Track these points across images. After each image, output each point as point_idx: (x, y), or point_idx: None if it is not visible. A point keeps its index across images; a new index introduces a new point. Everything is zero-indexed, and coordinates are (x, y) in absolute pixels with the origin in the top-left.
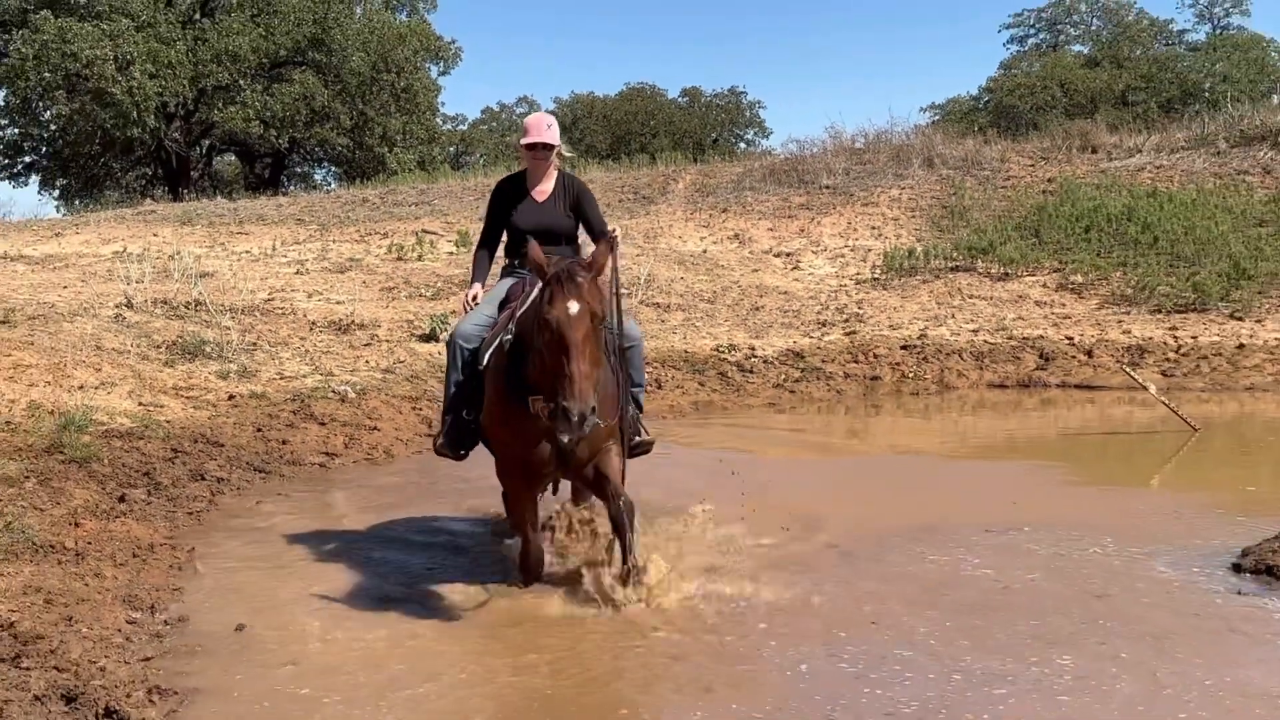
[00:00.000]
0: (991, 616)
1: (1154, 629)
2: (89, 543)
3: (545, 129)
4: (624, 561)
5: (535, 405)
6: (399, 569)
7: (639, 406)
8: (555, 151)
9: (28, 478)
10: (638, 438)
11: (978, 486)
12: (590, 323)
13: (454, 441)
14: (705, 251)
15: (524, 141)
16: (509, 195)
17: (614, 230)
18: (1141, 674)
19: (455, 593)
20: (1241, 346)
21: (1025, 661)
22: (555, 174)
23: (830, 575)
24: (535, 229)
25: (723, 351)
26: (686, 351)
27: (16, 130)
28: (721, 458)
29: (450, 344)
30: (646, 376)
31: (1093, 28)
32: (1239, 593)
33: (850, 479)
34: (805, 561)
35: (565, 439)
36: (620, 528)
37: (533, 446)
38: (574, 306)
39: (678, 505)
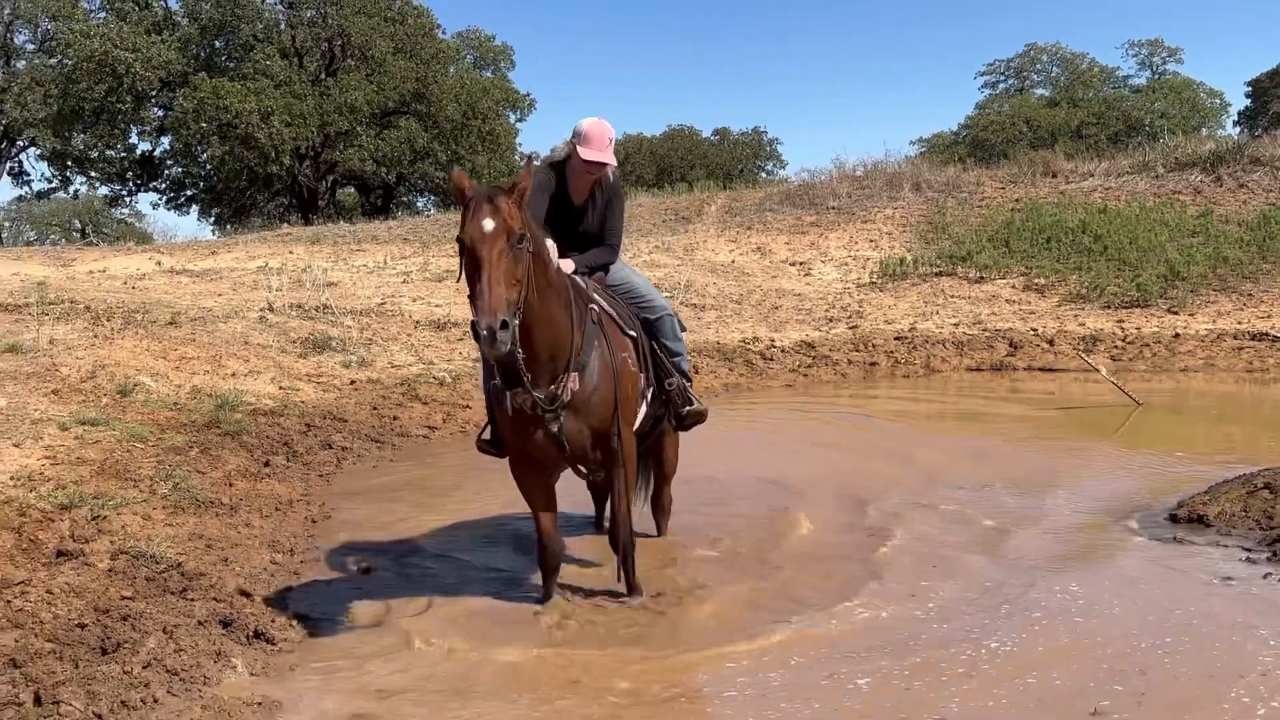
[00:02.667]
0: (1013, 559)
1: (1127, 568)
2: (240, 499)
3: (606, 145)
4: (619, 579)
5: (516, 398)
6: (493, 520)
7: (685, 376)
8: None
9: (192, 447)
10: (688, 407)
11: (957, 451)
12: (506, 241)
13: (497, 438)
14: (733, 262)
15: (584, 157)
16: (548, 190)
17: (533, 154)
18: (1128, 601)
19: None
20: (1177, 336)
21: (1052, 592)
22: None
23: (891, 525)
24: (570, 236)
25: (748, 343)
26: (719, 343)
27: (180, 169)
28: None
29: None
30: (689, 364)
31: (1053, 74)
32: (1174, 539)
33: (849, 443)
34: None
35: (486, 356)
36: (616, 549)
37: (529, 436)
38: (489, 224)
39: None
